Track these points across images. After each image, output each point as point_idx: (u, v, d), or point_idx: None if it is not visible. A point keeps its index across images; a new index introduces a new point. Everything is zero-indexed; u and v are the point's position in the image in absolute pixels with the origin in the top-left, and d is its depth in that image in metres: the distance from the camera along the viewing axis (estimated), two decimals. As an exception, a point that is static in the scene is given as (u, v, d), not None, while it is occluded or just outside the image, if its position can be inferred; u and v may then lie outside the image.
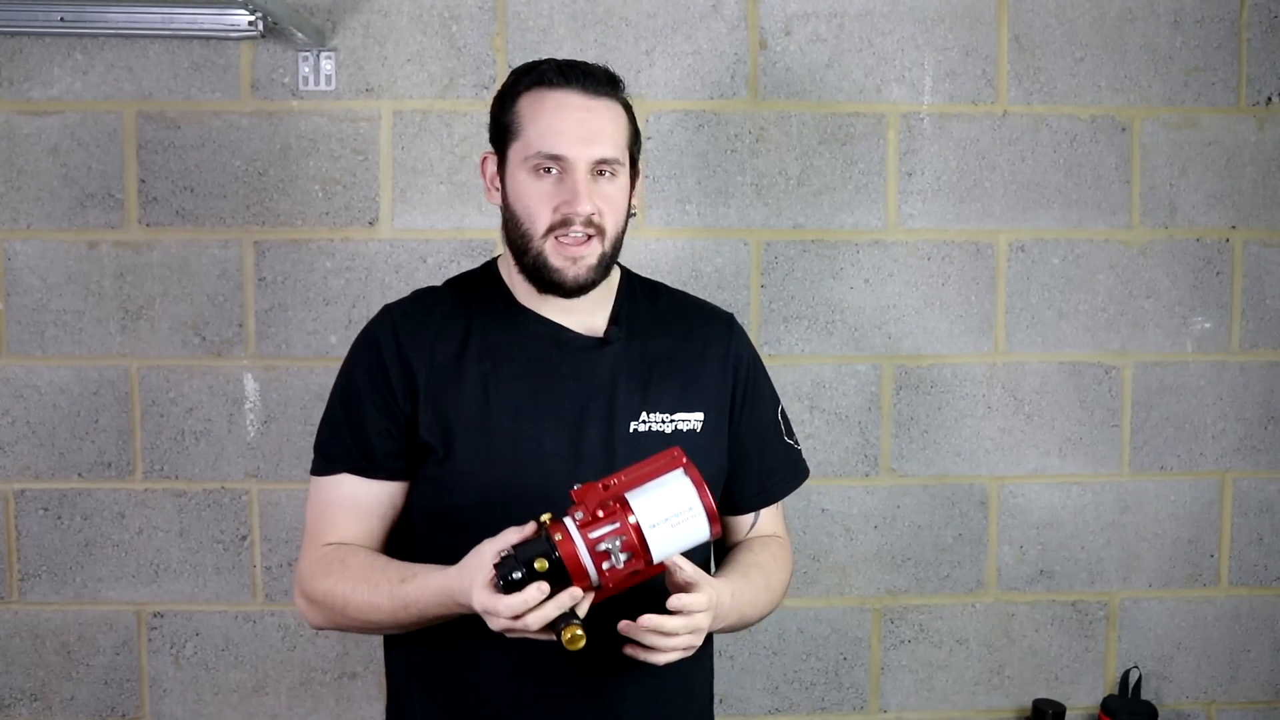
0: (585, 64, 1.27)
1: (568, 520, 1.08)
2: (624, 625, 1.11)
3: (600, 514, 1.08)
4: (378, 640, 2.02)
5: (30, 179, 1.95)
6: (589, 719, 1.26)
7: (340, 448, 1.29)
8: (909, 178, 2.05)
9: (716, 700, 2.06)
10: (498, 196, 1.30)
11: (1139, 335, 2.10)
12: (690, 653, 1.15)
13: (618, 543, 1.07)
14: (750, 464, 1.36)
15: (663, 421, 1.27)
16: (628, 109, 1.30)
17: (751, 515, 1.38)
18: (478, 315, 1.31)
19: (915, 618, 2.10)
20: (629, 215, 1.31)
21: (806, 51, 2.02)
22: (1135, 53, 2.06)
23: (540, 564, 1.06)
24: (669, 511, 1.09)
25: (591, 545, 1.07)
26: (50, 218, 1.96)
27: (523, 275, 1.28)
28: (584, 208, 1.22)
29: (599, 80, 1.26)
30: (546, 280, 1.26)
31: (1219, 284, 2.10)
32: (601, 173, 1.24)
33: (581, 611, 1.09)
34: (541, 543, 1.07)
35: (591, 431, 1.25)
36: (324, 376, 1.98)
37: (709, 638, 1.35)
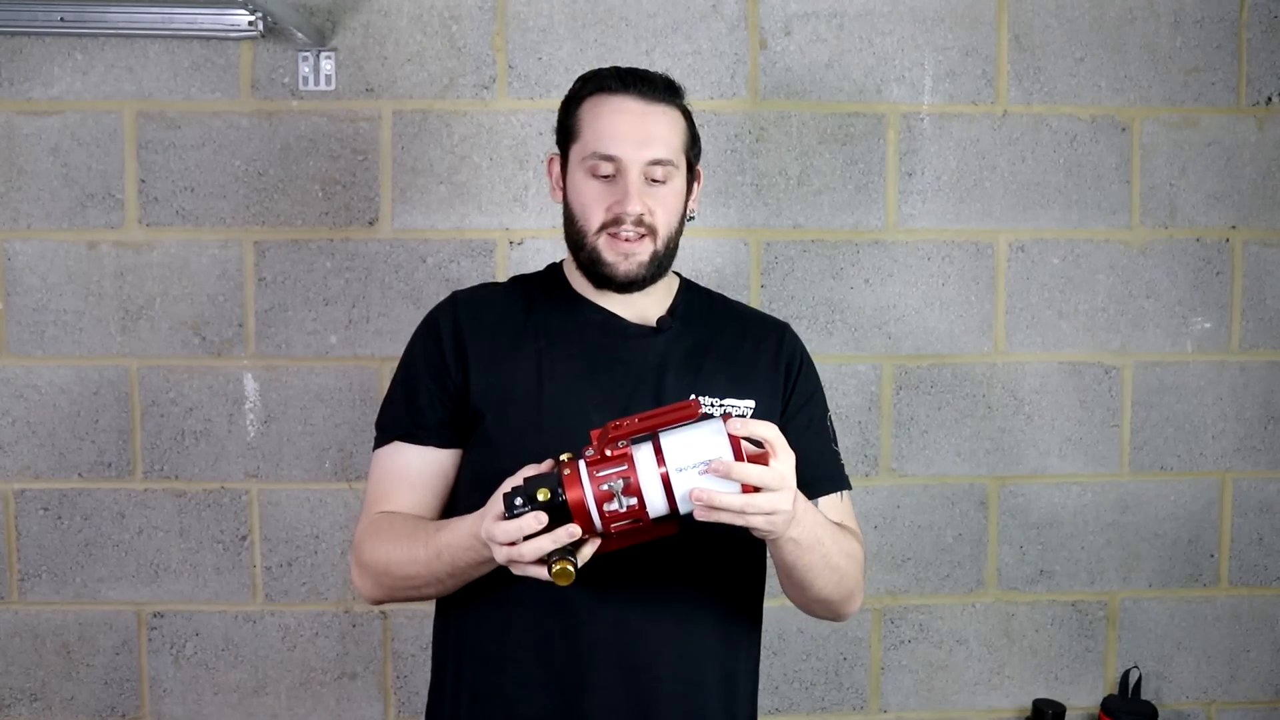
0: (645, 72, 1.32)
1: (581, 460, 1.07)
2: (695, 492, 1.05)
3: (609, 453, 1.06)
4: (378, 640, 2.03)
5: (30, 179, 1.95)
6: (622, 698, 1.25)
7: (393, 418, 1.34)
8: (909, 178, 2.05)
9: (716, 700, 2.06)
10: (560, 195, 1.36)
11: (1139, 335, 2.10)
12: (776, 525, 1.08)
13: (620, 484, 1.04)
14: (801, 456, 1.33)
15: (713, 404, 1.29)
16: (687, 115, 1.34)
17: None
18: (538, 302, 1.36)
19: (915, 618, 2.10)
20: (686, 218, 1.35)
21: (806, 51, 2.02)
22: (1135, 53, 2.06)
23: (543, 494, 1.05)
24: (697, 457, 1.05)
25: (596, 483, 1.05)
26: (50, 218, 1.96)
27: (580, 271, 1.34)
28: (634, 207, 1.27)
29: (656, 87, 1.31)
30: (600, 274, 1.31)
31: (1219, 284, 2.10)
32: (655, 175, 1.29)
33: (583, 556, 1.08)
34: (550, 477, 1.06)
35: (639, 409, 1.24)
36: (324, 376, 1.98)
37: (758, 637, 1.37)
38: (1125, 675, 2.10)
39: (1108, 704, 2.08)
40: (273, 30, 1.92)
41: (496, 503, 1.10)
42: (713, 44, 2.00)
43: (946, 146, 2.05)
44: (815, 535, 1.19)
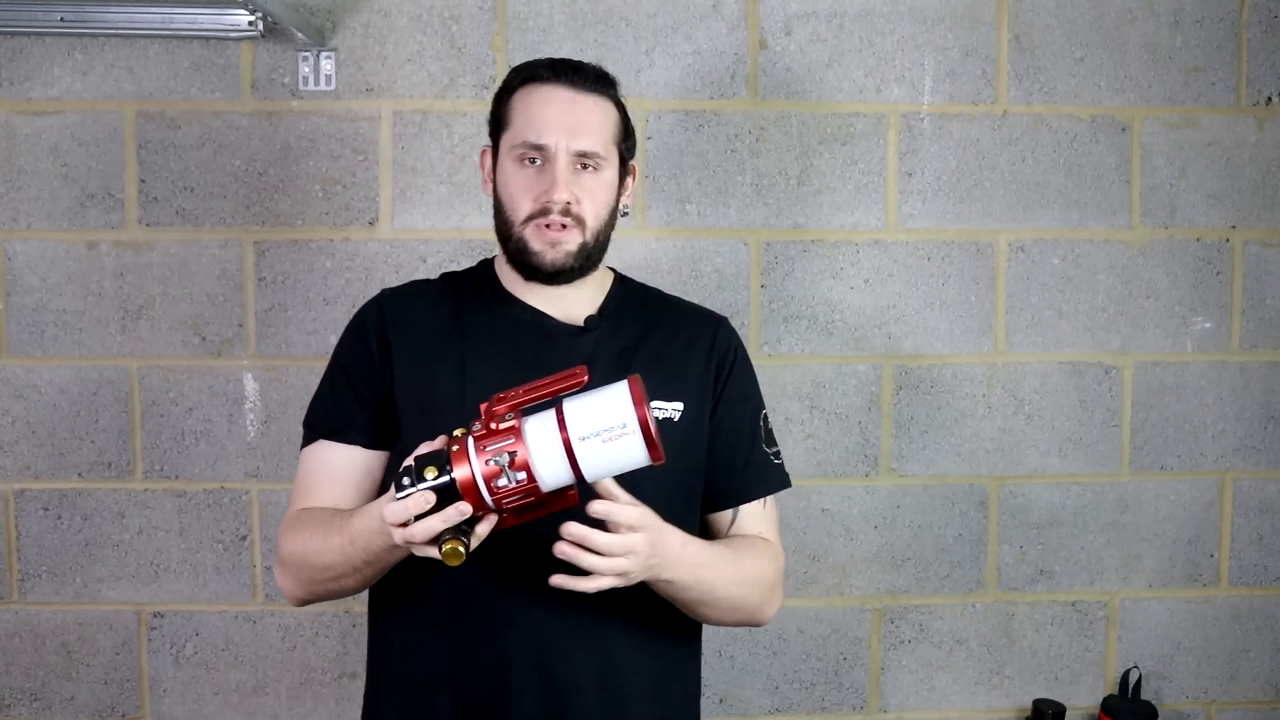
0: (578, 62, 1.30)
1: (470, 436, 1.03)
2: (557, 547, 1.08)
3: (495, 427, 1.03)
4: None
5: (30, 179, 1.95)
6: (541, 708, 1.24)
7: (320, 415, 1.33)
8: (909, 178, 2.05)
9: (716, 700, 2.06)
10: (491, 187, 1.34)
11: (1139, 335, 2.10)
12: (623, 581, 1.11)
13: (506, 459, 1.00)
14: (725, 459, 1.35)
15: None
16: (620, 108, 1.32)
17: (729, 512, 1.36)
18: (467, 301, 1.34)
19: (915, 618, 2.10)
20: (618, 213, 1.33)
21: (806, 51, 2.02)
22: (1135, 53, 2.06)
23: (430, 472, 1.01)
24: (598, 425, 1.02)
25: (483, 459, 1.01)
26: (50, 218, 1.96)
27: (510, 263, 1.31)
28: (560, 195, 1.24)
29: (587, 77, 1.29)
30: (527, 264, 1.29)
31: (1219, 284, 2.10)
32: (584, 165, 1.27)
33: (479, 535, 1.05)
34: (439, 455, 1.03)
35: None
36: (324, 376, 1.98)
37: (697, 631, 1.36)
38: (1125, 675, 2.10)
39: (1108, 704, 2.08)
40: (273, 30, 1.92)
41: (390, 492, 1.07)
42: (713, 44, 2.00)
43: (946, 146, 2.05)
44: (694, 575, 1.19)
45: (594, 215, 1.28)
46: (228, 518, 2.00)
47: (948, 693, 2.12)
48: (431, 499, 1.01)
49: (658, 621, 1.28)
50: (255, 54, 1.95)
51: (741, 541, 1.32)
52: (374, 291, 1.98)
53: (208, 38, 1.93)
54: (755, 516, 1.35)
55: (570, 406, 1.03)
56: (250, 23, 1.87)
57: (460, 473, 1.01)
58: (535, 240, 1.27)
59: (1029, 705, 2.11)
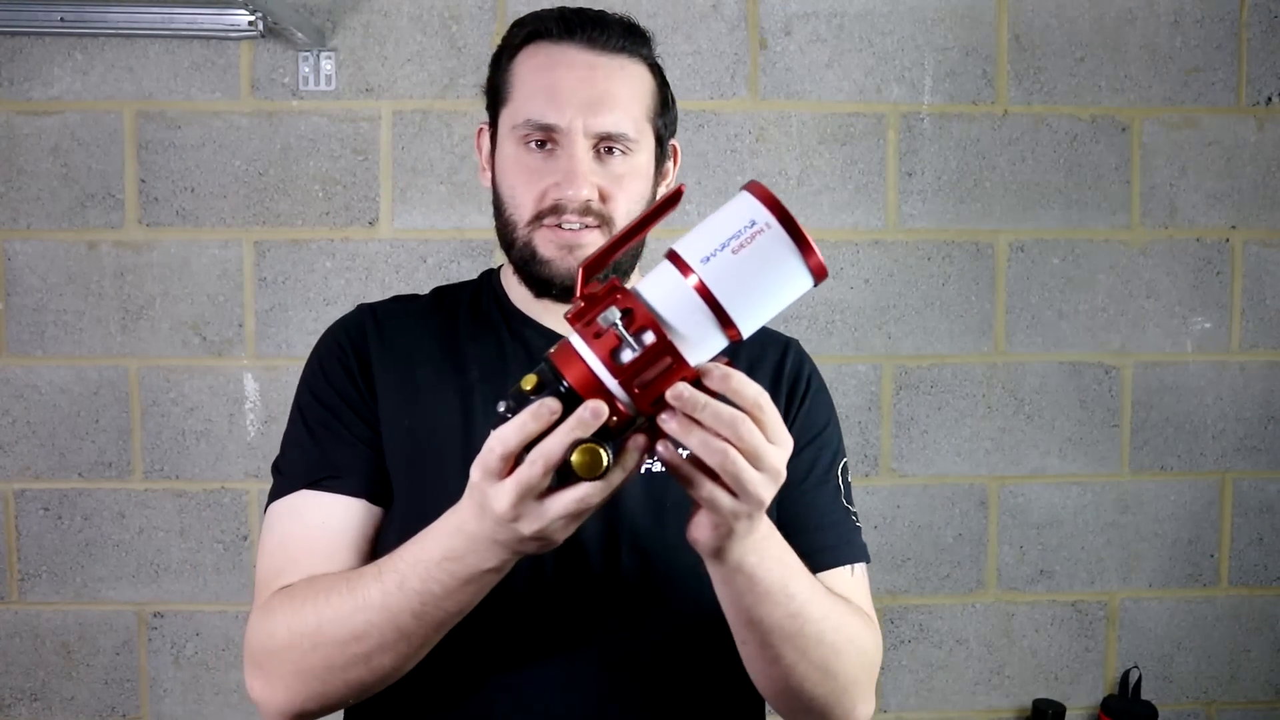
0: (599, 13, 1.01)
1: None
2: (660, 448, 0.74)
3: (597, 294, 0.75)
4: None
5: (30, 179, 1.95)
6: None
7: (301, 459, 1.01)
8: (909, 178, 2.05)
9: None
10: (489, 178, 1.06)
11: (1139, 335, 2.10)
12: (737, 510, 0.75)
13: (617, 316, 0.72)
14: (799, 511, 1.00)
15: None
16: (657, 72, 1.04)
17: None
18: (465, 324, 1.07)
19: (915, 618, 2.10)
20: None
21: (806, 51, 2.02)
22: (1135, 53, 2.06)
23: (527, 381, 0.73)
24: (721, 235, 0.73)
25: (589, 335, 0.73)
26: (50, 218, 1.96)
27: (516, 275, 1.05)
28: (579, 191, 0.96)
29: (612, 31, 1.00)
30: (535, 276, 1.00)
31: (1219, 284, 2.10)
32: (609, 149, 0.98)
33: (630, 459, 0.74)
34: (540, 367, 0.75)
35: None
36: (324, 376, 1.98)
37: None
38: (1125, 675, 2.10)
39: (1108, 704, 2.08)
40: (273, 30, 1.92)
41: (488, 463, 0.74)
42: (713, 44, 2.00)
43: (946, 146, 2.05)
44: (780, 579, 0.84)
45: (626, 212, 0.99)
46: (228, 518, 2.00)
47: (948, 693, 2.12)
48: (556, 409, 0.72)
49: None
50: (255, 54, 1.95)
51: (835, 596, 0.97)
52: (375, 292, 2.00)
53: (208, 38, 1.93)
54: (844, 585, 0.99)
55: (681, 239, 0.75)
56: (250, 23, 1.87)
57: (571, 367, 0.72)
58: (545, 245, 0.99)
59: (1029, 705, 2.11)
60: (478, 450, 0.78)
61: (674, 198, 0.77)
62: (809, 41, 2.02)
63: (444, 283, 1.18)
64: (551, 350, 0.73)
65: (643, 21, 2.00)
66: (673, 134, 1.07)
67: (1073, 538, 2.11)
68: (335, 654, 0.87)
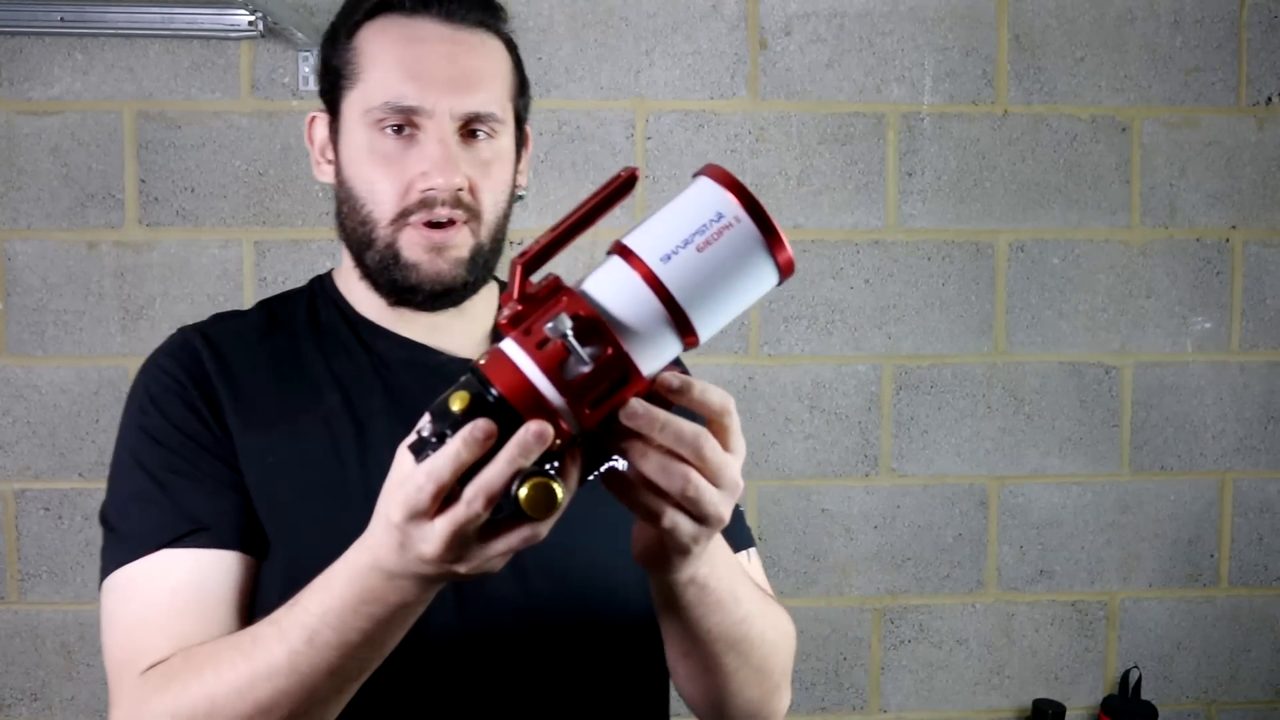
0: None
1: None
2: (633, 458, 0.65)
3: (532, 294, 0.64)
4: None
5: (30, 179, 1.95)
6: None
7: (150, 516, 0.91)
8: (909, 178, 2.05)
9: (716, 700, 2.06)
10: (329, 171, 0.95)
11: (1139, 335, 2.10)
12: (698, 532, 0.67)
13: (568, 326, 0.61)
14: None
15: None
16: (511, 47, 0.94)
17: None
18: (308, 341, 0.95)
19: (915, 618, 2.10)
20: (514, 197, 0.95)
21: (806, 51, 2.02)
22: (1135, 53, 2.06)
23: (458, 401, 0.61)
24: (684, 230, 0.63)
25: (531, 345, 0.62)
26: (50, 218, 1.96)
27: (367, 281, 0.93)
28: (451, 180, 0.86)
29: (471, 4, 0.90)
30: (398, 284, 0.90)
31: (1219, 284, 2.10)
32: (474, 132, 0.89)
33: (571, 484, 0.65)
34: (459, 383, 0.63)
35: None
36: (324, 376, 1.98)
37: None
38: (1125, 675, 2.10)
39: (1108, 704, 2.08)
40: (273, 30, 1.92)
41: (400, 477, 0.64)
42: (713, 44, 2.00)
43: (946, 146, 2.05)
44: (730, 586, 0.79)
45: (492, 204, 0.90)
46: (228, 518, 2.00)
47: (948, 693, 2.12)
48: (491, 431, 0.60)
49: None
50: (255, 54, 1.95)
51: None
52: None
53: (208, 38, 1.93)
54: (753, 573, 1.00)
55: (633, 233, 0.65)
56: (250, 23, 1.87)
57: (506, 377, 0.62)
58: (411, 247, 0.88)
59: (1029, 705, 2.11)
60: (366, 482, 0.73)
61: (629, 182, 0.65)
62: (809, 41, 2.02)
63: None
64: (480, 361, 0.63)
65: (643, 22, 2.02)
66: (527, 115, 0.97)
67: (1073, 538, 2.11)
68: None
